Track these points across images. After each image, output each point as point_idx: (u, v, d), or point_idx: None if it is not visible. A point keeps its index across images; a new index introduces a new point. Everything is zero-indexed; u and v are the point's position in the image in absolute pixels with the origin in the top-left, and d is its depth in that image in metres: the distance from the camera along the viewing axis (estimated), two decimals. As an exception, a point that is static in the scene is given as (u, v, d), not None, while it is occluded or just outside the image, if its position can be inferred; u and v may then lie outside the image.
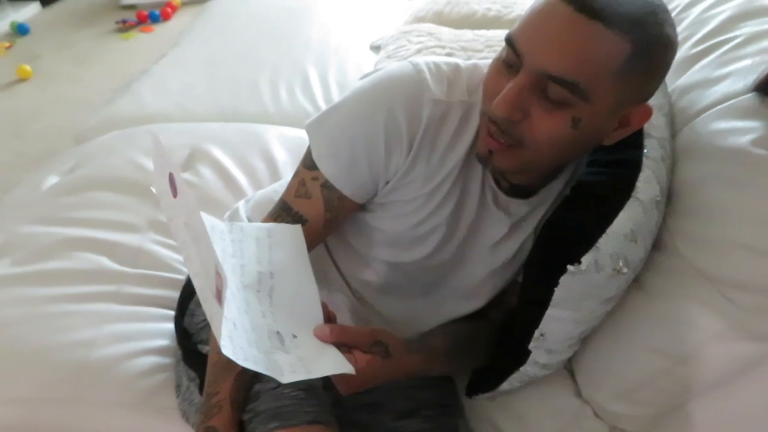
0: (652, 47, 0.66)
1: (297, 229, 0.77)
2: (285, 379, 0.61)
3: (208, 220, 0.69)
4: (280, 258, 0.73)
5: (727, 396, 0.80)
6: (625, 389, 0.84)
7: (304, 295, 0.72)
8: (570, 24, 0.64)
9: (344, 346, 0.70)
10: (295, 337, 0.67)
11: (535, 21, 0.67)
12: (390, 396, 0.97)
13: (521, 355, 0.85)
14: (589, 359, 0.88)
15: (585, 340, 0.87)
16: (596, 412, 0.89)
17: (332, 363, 0.66)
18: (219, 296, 0.59)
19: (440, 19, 1.99)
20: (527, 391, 0.92)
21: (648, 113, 0.72)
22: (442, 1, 2.06)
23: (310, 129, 0.81)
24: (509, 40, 0.69)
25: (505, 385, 0.90)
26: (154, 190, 0.68)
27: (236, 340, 0.60)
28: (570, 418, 0.90)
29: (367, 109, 0.77)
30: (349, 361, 0.67)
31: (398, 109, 0.76)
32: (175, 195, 0.63)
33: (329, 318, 0.72)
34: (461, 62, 0.83)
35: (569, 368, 0.92)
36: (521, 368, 0.86)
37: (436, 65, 0.80)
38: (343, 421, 0.90)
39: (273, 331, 0.66)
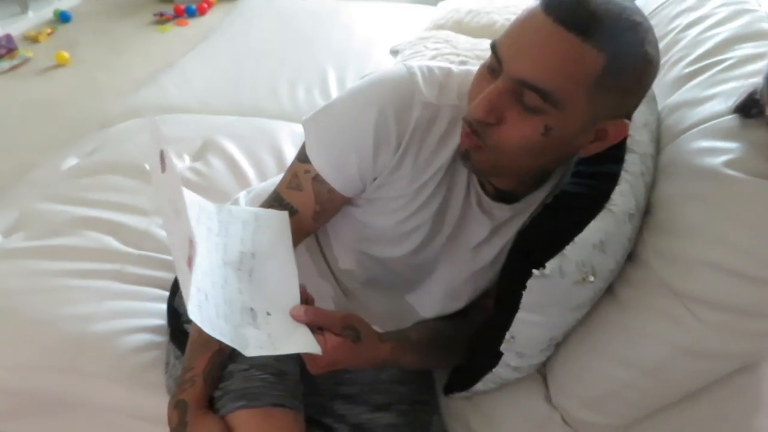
0: (628, 64, 0.68)
1: (283, 215, 0.81)
2: (249, 352, 0.65)
3: (197, 199, 0.74)
4: (263, 241, 0.77)
5: (690, 410, 0.82)
6: (591, 398, 0.85)
7: (284, 277, 0.76)
8: (548, 34, 0.66)
9: (317, 327, 0.73)
10: (269, 314, 0.71)
11: (516, 30, 0.70)
12: (367, 389, 1.00)
13: (494, 357, 0.87)
14: (561, 366, 0.90)
15: (558, 347, 0.89)
16: (564, 419, 0.90)
17: (300, 342, 0.70)
18: (190, 263, 0.64)
19: (460, 27, 2.01)
20: (500, 393, 0.94)
21: (624, 129, 0.74)
22: (463, 10, 2.09)
23: (306, 124, 0.85)
24: (493, 46, 0.71)
25: (479, 386, 0.92)
26: (147, 166, 0.73)
27: (205, 310, 0.65)
28: (539, 422, 0.91)
29: (359, 107, 0.80)
30: (319, 341, 0.71)
31: (389, 109, 0.79)
32: (163, 170, 0.68)
33: (306, 301, 0.76)
34: (454, 68, 0.86)
35: (542, 373, 0.94)
36: (494, 369, 0.88)
37: (429, 69, 0.83)
38: (319, 409, 0.94)
39: (246, 308, 0.70)
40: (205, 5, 3.80)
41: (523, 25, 0.69)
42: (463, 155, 0.77)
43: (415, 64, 0.84)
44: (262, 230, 0.78)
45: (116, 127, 1.67)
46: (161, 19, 3.70)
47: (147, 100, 1.90)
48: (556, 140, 0.71)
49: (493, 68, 0.72)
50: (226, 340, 0.65)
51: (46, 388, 1.06)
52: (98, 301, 1.10)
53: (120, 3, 3.97)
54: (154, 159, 0.68)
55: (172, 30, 3.62)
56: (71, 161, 1.48)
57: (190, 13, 3.74)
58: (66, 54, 3.18)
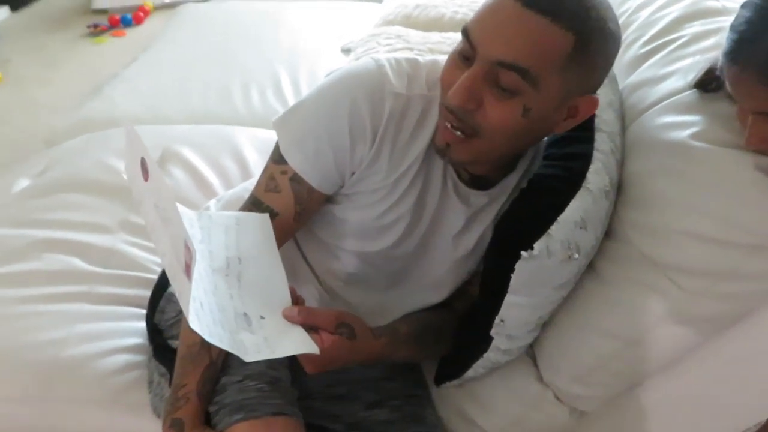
0: (594, 40, 0.71)
1: (264, 217, 0.80)
2: (249, 357, 0.64)
3: (177, 207, 0.72)
4: (248, 244, 0.76)
5: (674, 376, 0.85)
6: (580, 372, 0.88)
7: (272, 279, 0.75)
8: (518, 18, 0.69)
9: (311, 327, 0.73)
10: (262, 318, 0.70)
11: (487, 15, 0.72)
12: (359, 387, 0.99)
13: (484, 342, 0.88)
14: (549, 344, 0.92)
15: (545, 326, 0.91)
16: (557, 395, 0.92)
17: (297, 343, 0.69)
18: (188, 270, 0.62)
19: (409, 22, 2.03)
20: (491, 377, 0.96)
21: (594, 104, 0.77)
22: (411, 5, 2.10)
23: (277, 124, 0.84)
24: (464, 32, 0.73)
25: (470, 372, 0.93)
26: (125, 176, 0.71)
27: (202, 318, 0.64)
28: (532, 402, 0.93)
29: (332, 102, 0.80)
30: (315, 341, 0.71)
31: (361, 102, 0.79)
32: (146, 179, 0.66)
33: (297, 301, 0.76)
34: (420, 58, 0.87)
35: (531, 354, 0.96)
36: (485, 355, 0.89)
37: (397, 61, 0.84)
38: (314, 412, 0.93)
39: (240, 313, 0.69)
40: (141, 14, 3.68)
41: (492, 9, 0.71)
42: (440, 150, 0.78)
43: (383, 56, 0.84)
44: (245, 234, 0.77)
45: (65, 144, 1.61)
46: (96, 31, 3.56)
47: (93, 113, 1.84)
48: (535, 120, 0.73)
49: (466, 54, 0.73)
50: (225, 347, 0.64)
51: (20, 420, 1.01)
52: (69, 324, 1.06)
53: (50, 16, 3.80)
54: (134, 168, 0.66)
55: (109, 41, 3.49)
56: (22, 182, 1.41)
57: (126, 23, 3.61)
58: (-3, 72, 3.04)
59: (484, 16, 0.72)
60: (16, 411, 1.00)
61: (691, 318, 0.78)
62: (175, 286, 0.65)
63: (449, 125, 0.75)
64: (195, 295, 0.64)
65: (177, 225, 0.63)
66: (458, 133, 0.74)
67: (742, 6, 0.70)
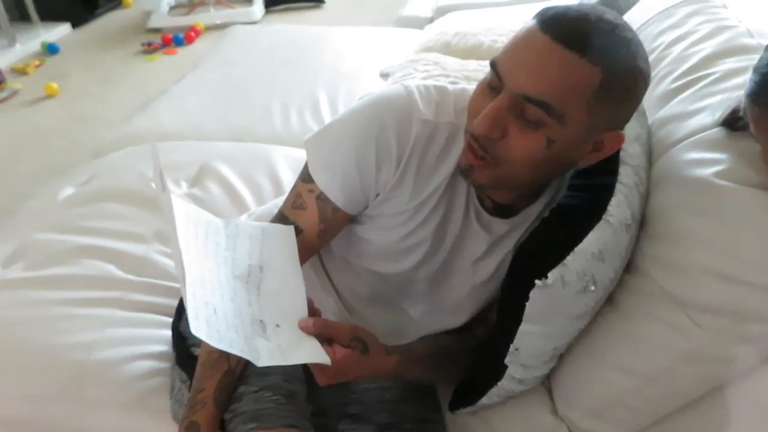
0: (623, 77, 0.71)
1: (289, 229, 0.83)
2: (261, 362, 0.66)
3: (204, 214, 0.77)
4: (270, 254, 0.79)
5: (694, 416, 0.83)
6: (597, 407, 0.86)
7: (291, 289, 0.78)
8: (547, 52, 0.69)
9: (325, 339, 0.75)
10: (278, 326, 0.72)
11: (516, 48, 0.73)
12: (373, 408, 1.00)
13: (499, 370, 0.88)
14: (565, 377, 0.91)
15: (561, 358, 0.90)
16: (571, 430, 0.91)
17: (310, 353, 0.71)
18: (183, 280, 0.67)
19: (448, 49, 2.06)
20: (506, 407, 0.95)
21: (620, 139, 0.77)
22: (450, 32, 2.13)
23: (308, 144, 0.87)
24: (493, 64, 0.74)
25: (484, 400, 0.93)
26: (153, 185, 0.77)
27: (213, 324, 0.67)
28: (546, 434, 0.92)
29: (360, 125, 0.83)
30: (328, 353, 0.73)
31: (389, 126, 0.81)
32: (163, 189, 0.71)
33: (314, 313, 0.78)
34: (449, 86, 0.89)
35: (547, 386, 0.95)
36: (499, 383, 0.89)
37: (426, 88, 0.86)
38: (326, 429, 0.94)
39: (257, 320, 0.72)
40: (193, 34, 3.84)
41: (522, 42, 0.72)
42: (464, 171, 0.80)
43: (412, 83, 0.87)
44: (269, 244, 0.80)
45: (111, 155, 1.68)
46: (149, 49, 3.73)
47: (139, 127, 1.92)
48: (558, 152, 0.73)
49: (494, 85, 0.74)
50: (237, 351, 0.67)
51: (49, 418, 1.04)
52: (100, 328, 1.10)
53: (108, 34, 4.00)
54: (157, 179, 0.71)
55: (161, 59, 3.65)
56: (67, 191, 1.48)
57: (178, 42, 3.77)
58: (55, 85, 3.20)
59: (513, 49, 0.73)
60: (45, 409, 1.04)
61: (710, 358, 0.77)
62: (182, 290, 0.69)
63: (472, 150, 0.76)
64: (209, 300, 0.67)
65: (174, 238, 0.68)
66: (481, 156, 0.75)
67: (766, 48, 0.69)
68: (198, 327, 0.65)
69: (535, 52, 0.70)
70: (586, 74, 0.69)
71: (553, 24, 0.70)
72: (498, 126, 0.73)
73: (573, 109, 0.70)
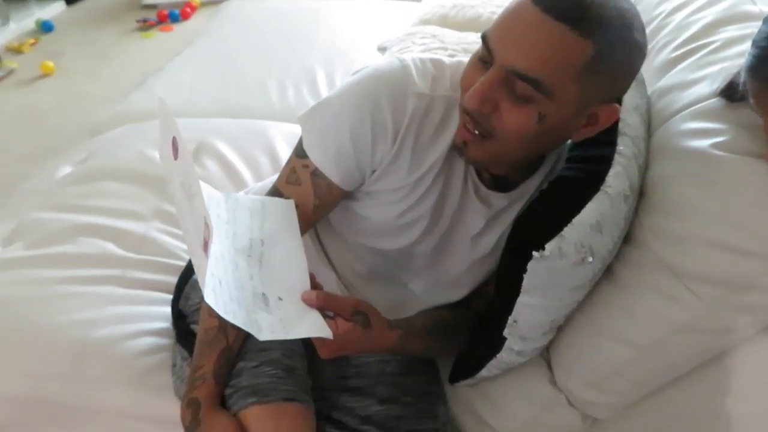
0: (615, 50, 0.69)
1: (290, 203, 0.83)
2: (263, 336, 0.67)
3: (205, 187, 0.76)
4: (271, 228, 0.79)
5: (691, 386, 0.84)
6: (594, 377, 0.87)
7: (293, 263, 0.78)
8: (537, 24, 0.68)
9: (327, 312, 0.75)
10: (280, 299, 0.73)
11: (506, 21, 0.71)
12: (374, 381, 1.01)
13: (498, 342, 0.88)
14: (563, 348, 0.91)
15: (560, 329, 0.91)
16: (569, 400, 0.92)
17: (312, 326, 0.72)
18: (206, 247, 0.65)
19: (445, 22, 2.03)
20: (505, 378, 0.96)
21: (615, 113, 0.76)
22: (448, 5, 2.10)
23: (302, 120, 0.86)
24: (483, 37, 0.73)
25: (484, 372, 0.94)
26: (158, 154, 0.75)
27: (219, 295, 0.67)
28: (544, 405, 0.93)
29: (355, 100, 0.82)
30: (330, 326, 0.73)
31: (384, 101, 0.80)
32: (175, 157, 0.69)
33: (316, 287, 0.78)
34: (446, 59, 0.87)
35: (545, 357, 0.96)
36: (498, 355, 0.90)
37: (422, 61, 0.84)
38: (327, 403, 0.95)
39: (258, 293, 0.72)
40: (188, 10, 3.79)
41: (512, 15, 0.71)
42: (459, 148, 0.79)
43: (408, 56, 0.85)
44: (269, 218, 0.80)
45: (108, 133, 1.67)
46: (145, 26, 3.68)
47: (135, 105, 1.90)
48: (550, 126, 0.72)
49: (485, 59, 0.73)
50: (240, 324, 0.67)
51: (50, 395, 1.05)
52: (101, 306, 1.10)
53: (102, 11, 3.95)
54: (166, 147, 0.69)
55: (156, 36, 3.61)
56: (65, 169, 1.48)
57: (174, 19, 3.73)
58: (51, 64, 3.16)
59: (503, 22, 0.72)
60: (47, 386, 1.04)
61: (706, 328, 0.77)
62: (194, 261, 0.69)
63: (466, 125, 0.75)
64: (214, 272, 0.67)
65: (199, 202, 0.66)
66: (475, 133, 0.75)
67: (765, 21, 0.68)
68: (208, 296, 0.65)
69: (524, 26, 0.69)
70: (576, 48, 0.68)
71: None
72: (488, 101, 0.72)
73: (563, 83, 0.69)
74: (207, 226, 0.64)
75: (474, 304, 1.00)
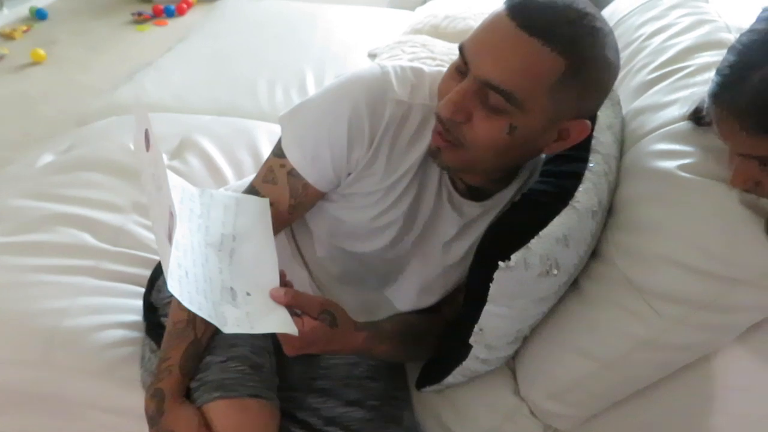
0: (587, 67, 0.72)
1: (264, 201, 0.84)
2: (227, 329, 0.68)
3: (180, 182, 0.77)
4: (244, 224, 0.80)
5: (651, 401, 0.85)
6: (556, 389, 0.88)
7: (264, 260, 0.79)
8: (511, 39, 0.70)
9: (295, 310, 0.75)
10: (248, 294, 0.73)
11: (482, 33, 0.73)
12: (341, 384, 1.01)
13: (464, 350, 0.89)
14: (528, 358, 0.93)
15: (525, 340, 0.92)
16: (532, 410, 0.93)
17: (278, 322, 0.72)
18: (170, 235, 0.66)
19: (437, 32, 2.05)
20: (470, 386, 0.97)
21: (585, 129, 0.77)
22: (440, 15, 2.13)
23: (283, 120, 0.88)
24: (461, 48, 0.75)
25: (449, 379, 0.95)
26: (132, 146, 0.76)
27: (185, 285, 0.68)
28: (507, 414, 0.94)
29: (334, 103, 0.83)
30: (297, 324, 0.73)
31: (362, 106, 0.82)
32: (147, 149, 0.70)
33: (285, 285, 0.78)
34: (426, 68, 0.89)
35: (511, 367, 0.97)
36: (463, 362, 0.90)
37: (402, 69, 0.86)
38: (293, 403, 0.95)
39: (227, 287, 0.73)
40: (184, 5, 3.80)
41: (488, 28, 0.73)
42: (433, 152, 0.80)
43: (389, 63, 0.87)
44: (243, 214, 0.81)
45: (93, 124, 1.67)
46: (140, 19, 3.68)
47: (123, 98, 1.90)
48: (521, 138, 0.74)
49: (461, 69, 0.75)
50: (205, 315, 0.68)
51: (19, 382, 1.05)
52: (73, 296, 1.10)
53: (98, 2, 3.94)
54: (140, 139, 0.71)
55: (151, 30, 3.61)
56: (47, 158, 1.47)
57: (169, 14, 3.73)
58: (42, 51, 3.15)
59: (479, 35, 0.74)
60: (16, 374, 1.04)
61: (665, 345, 0.78)
62: (159, 249, 0.69)
63: (439, 132, 0.77)
64: (181, 263, 0.67)
65: (166, 192, 0.67)
66: (447, 140, 0.76)
67: (728, 50, 0.70)
68: (172, 286, 0.66)
69: (499, 39, 0.71)
70: (549, 63, 0.70)
71: (519, 10, 0.70)
72: (462, 110, 0.73)
73: (535, 97, 0.71)
74: (171, 216, 0.65)
75: (445, 311, 1.02)
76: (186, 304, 0.66)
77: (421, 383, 1.01)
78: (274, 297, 0.75)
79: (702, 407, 0.83)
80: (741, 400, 0.81)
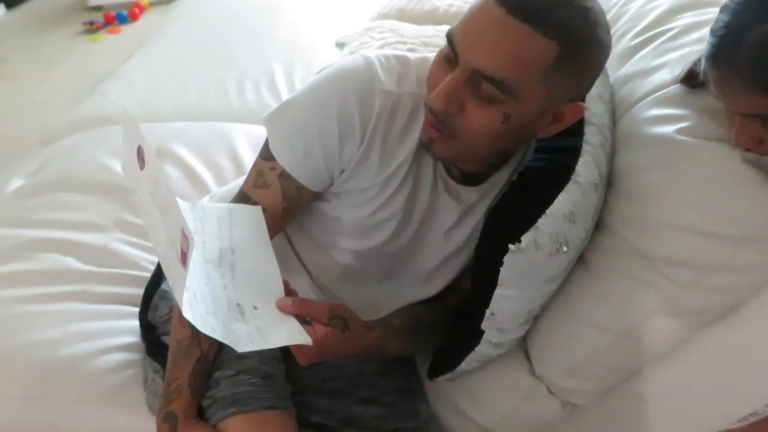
0: (581, 50, 0.70)
1: (257, 209, 0.81)
2: (241, 348, 0.65)
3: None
4: (241, 236, 0.77)
5: (667, 368, 0.85)
6: (573, 365, 0.88)
7: (265, 270, 0.76)
8: (501, 25, 0.68)
9: (304, 318, 0.73)
10: (255, 308, 0.71)
11: (470, 20, 0.71)
12: (353, 383, 1.00)
13: (475, 336, 0.88)
14: (541, 338, 0.92)
15: (537, 319, 0.91)
16: (549, 389, 0.93)
17: (290, 333, 0.70)
18: (184, 258, 0.63)
19: (403, 15, 2.02)
20: (484, 371, 0.96)
21: (580, 111, 0.76)
22: (405, -2, 2.10)
23: (267, 121, 0.84)
24: (449, 36, 0.72)
25: (463, 366, 0.93)
26: (121, 165, 0.71)
27: (195, 308, 0.64)
28: (525, 395, 0.94)
29: (321, 100, 0.80)
30: (308, 332, 0.71)
31: (350, 100, 0.79)
32: (142, 167, 0.66)
33: (290, 293, 0.76)
34: (410, 55, 0.87)
35: (524, 347, 0.96)
36: (476, 348, 0.89)
37: (387, 58, 0.83)
38: (307, 408, 0.94)
39: (233, 303, 0.70)
40: (137, 10, 3.68)
41: (477, 15, 0.70)
42: (425, 144, 0.78)
43: (372, 53, 0.84)
44: (238, 226, 0.78)
45: (60, 142, 1.60)
46: (92, 28, 3.56)
47: (88, 111, 1.84)
48: (516, 126, 0.73)
49: (449, 58, 0.73)
50: (218, 337, 0.65)
51: (19, 419, 1.01)
52: (64, 324, 1.06)
53: (46, 14, 3.80)
54: (130, 156, 0.66)
55: (105, 38, 3.49)
56: (17, 182, 1.41)
57: (122, 20, 3.61)
58: (-7, 71, 3.04)
59: (468, 22, 0.71)
60: (14, 411, 1.00)
61: (681, 310, 0.78)
62: (170, 275, 0.66)
63: (431, 123, 0.75)
64: (188, 285, 0.64)
65: (174, 212, 0.63)
66: (440, 131, 0.74)
67: (721, 9, 0.69)
68: (185, 311, 0.63)
69: (488, 26, 0.69)
70: (541, 49, 0.68)
71: None
72: (454, 101, 0.71)
73: (528, 84, 0.69)
74: (185, 237, 0.61)
75: (449, 300, 1.00)
76: (200, 328, 0.63)
77: (434, 373, 1.00)
78: (281, 307, 0.73)
79: (723, 368, 0.83)
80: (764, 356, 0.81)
